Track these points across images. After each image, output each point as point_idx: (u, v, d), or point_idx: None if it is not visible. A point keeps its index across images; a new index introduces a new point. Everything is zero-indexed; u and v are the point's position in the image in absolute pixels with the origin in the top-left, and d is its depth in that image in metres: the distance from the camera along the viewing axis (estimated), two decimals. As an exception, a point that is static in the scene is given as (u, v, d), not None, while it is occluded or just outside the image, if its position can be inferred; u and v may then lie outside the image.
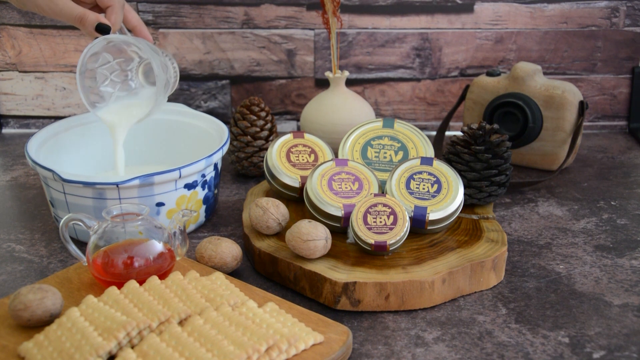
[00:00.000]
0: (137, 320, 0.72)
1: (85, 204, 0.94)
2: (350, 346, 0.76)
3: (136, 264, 0.83)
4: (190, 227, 1.02)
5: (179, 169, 0.94)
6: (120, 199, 0.93)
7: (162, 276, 0.84)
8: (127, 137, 1.02)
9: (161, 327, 0.73)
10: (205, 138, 1.10)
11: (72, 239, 0.93)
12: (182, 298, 0.78)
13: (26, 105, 1.44)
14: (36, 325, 0.76)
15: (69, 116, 1.44)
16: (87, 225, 0.85)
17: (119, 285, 0.80)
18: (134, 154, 1.13)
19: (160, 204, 0.96)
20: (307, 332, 0.74)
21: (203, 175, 1.00)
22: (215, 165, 1.03)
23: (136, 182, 0.92)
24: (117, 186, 0.91)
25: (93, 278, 0.85)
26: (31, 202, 1.13)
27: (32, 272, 0.93)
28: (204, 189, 1.01)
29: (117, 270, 0.82)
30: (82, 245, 0.96)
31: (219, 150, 1.00)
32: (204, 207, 1.02)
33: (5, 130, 1.45)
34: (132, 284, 0.79)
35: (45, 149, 1.04)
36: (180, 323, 0.74)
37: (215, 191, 1.05)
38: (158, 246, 0.85)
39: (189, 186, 0.98)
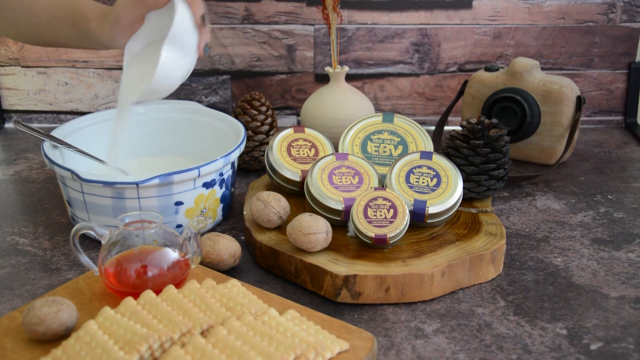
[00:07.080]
0: (159, 333, 0.69)
1: (104, 203, 0.93)
2: (375, 353, 0.74)
3: (150, 273, 0.79)
4: (208, 226, 1.01)
5: (198, 167, 0.94)
6: (139, 198, 0.92)
7: (178, 285, 0.80)
8: (142, 132, 1.00)
9: (183, 339, 0.71)
10: (220, 136, 1.09)
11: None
12: (202, 308, 0.75)
13: (28, 100, 1.45)
14: (51, 339, 0.73)
15: (71, 111, 1.45)
16: (99, 234, 0.81)
17: (133, 295, 0.77)
18: (147, 149, 1.14)
19: (179, 203, 0.95)
20: (332, 340, 0.72)
21: (221, 174, 0.99)
22: (233, 164, 1.03)
23: (155, 181, 0.91)
24: (137, 185, 0.91)
25: (105, 288, 0.82)
26: (34, 196, 1.14)
27: (36, 265, 0.94)
28: (221, 188, 1.00)
29: (130, 280, 0.79)
30: (90, 244, 0.97)
31: (236, 148, 1.00)
32: (221, 205, 1.02)
33: (8, 125, 1.45)
34: (149, 294, 0.76)
35: (61, 148, 1.03)
36: (202, 334, 0.72)
37: (232, 189, 1.05)
38: (172, 254, 0.81)
39: (207, 185, 0.97)
